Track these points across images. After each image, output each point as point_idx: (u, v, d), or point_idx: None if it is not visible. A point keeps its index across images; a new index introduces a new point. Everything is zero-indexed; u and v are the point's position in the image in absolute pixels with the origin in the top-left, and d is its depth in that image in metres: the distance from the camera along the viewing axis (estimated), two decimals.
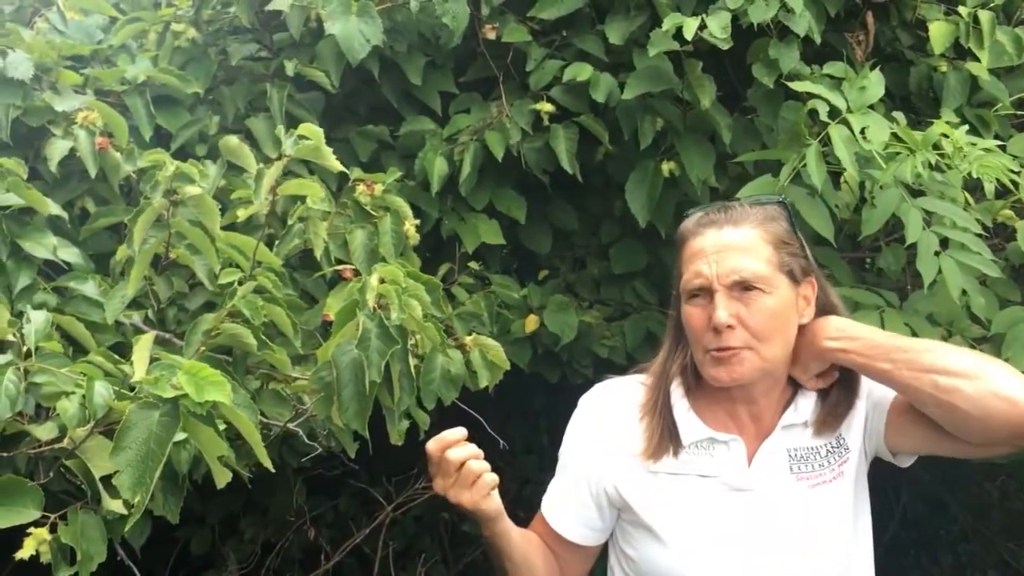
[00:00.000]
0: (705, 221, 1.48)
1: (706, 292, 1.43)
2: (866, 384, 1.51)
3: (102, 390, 1.40)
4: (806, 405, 1.50)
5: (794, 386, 1.51)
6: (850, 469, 1.49)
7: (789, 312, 1.45)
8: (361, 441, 1.78)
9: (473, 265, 2.52)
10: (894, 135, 2.10)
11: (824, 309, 1.50)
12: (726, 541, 1.44)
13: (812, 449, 1.48)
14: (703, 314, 1.43)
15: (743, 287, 1.41)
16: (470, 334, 2.05)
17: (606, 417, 1.54)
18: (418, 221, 2.21)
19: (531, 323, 2.47)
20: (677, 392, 1.52)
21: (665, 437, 1.48)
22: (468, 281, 2.49)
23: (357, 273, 2.01)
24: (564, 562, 1.58)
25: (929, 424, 1.41)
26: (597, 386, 1.60)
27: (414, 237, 2.17)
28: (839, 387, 1.50)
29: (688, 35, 2.15)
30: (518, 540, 1.52)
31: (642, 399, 1.53)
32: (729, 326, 1.40)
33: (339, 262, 2.08)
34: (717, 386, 1.47)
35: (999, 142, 2.22)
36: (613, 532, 1.57)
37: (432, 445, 1.41)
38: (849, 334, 1.44)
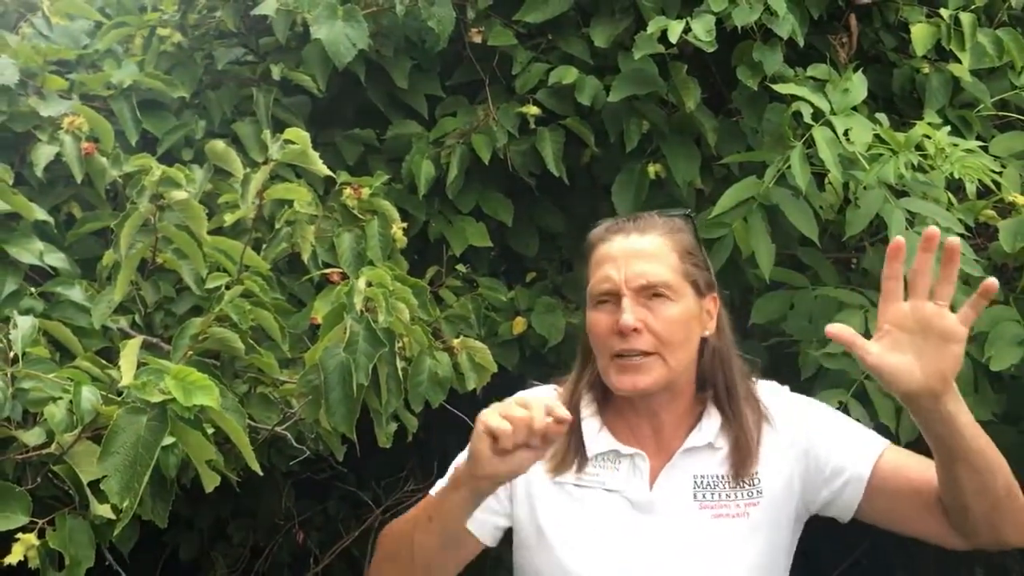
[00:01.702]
0: (614, 228, 1.49)
1: (613, 297, 1.43)
2: (804, 444, 1.47)
3: (89, 395, 1.40)
4: (710, 427, 1.48)
5: (700, 406, 1.50)
6: (759, 515, 1.45)
7: (693, 322, 1.46)
8: (349, 444, 1.79)
9: (460, 268, 2.52)
10: (877, 136, 2.11)
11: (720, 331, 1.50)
12: (623, 560, 1.43)
13: (720, 477, 1.46)
14: (609, 319, 1.43)
15: (650, 293, 1.42)
16: (458, 336, 2.06)
17: None
18: (405, 224, 2.22)
19: (518, 325, 2.48)
20: (588, 407, 1.52)
21: (571, 452, 1.48)
22: (455, 284, 2.50)
23: (344, 276, 2.01)
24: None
25: (925, 512, 1.39)
26: (520, 393, 1.58)
27: (401, 240, 2.18)
28: (744, 421, 1.48)
29: (673, 38, 2.16)
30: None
31: None
32: (635, 329, 1.40)
33: (326, 266, 2.08)
34: (620, 395, 1.46)
35: (981, 143, 2.24)
36: (515, 561, 1.55)
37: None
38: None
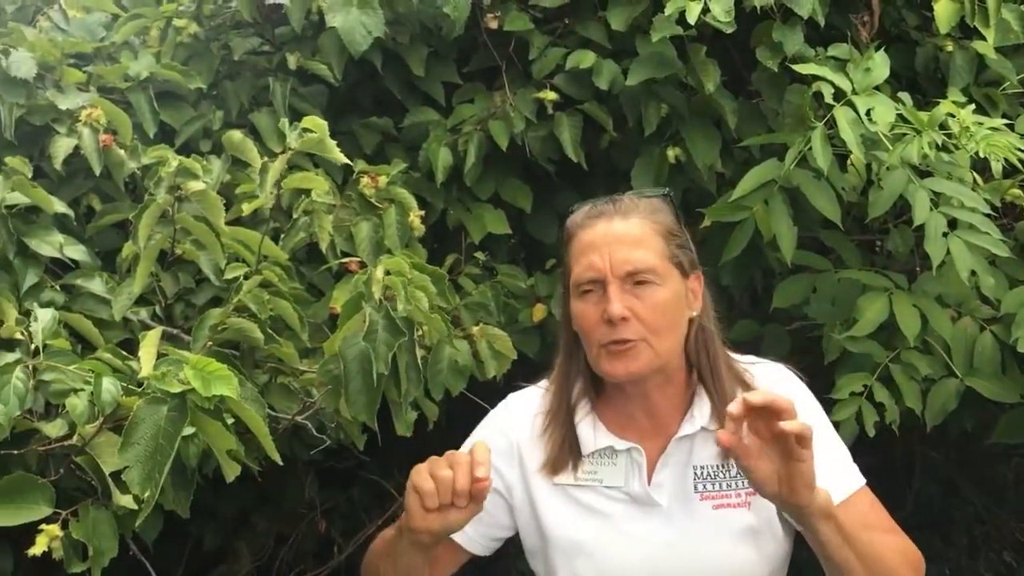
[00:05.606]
0: (593, 213, 1.45)
1: (598, 285, 1.40)
2: None
3: (110, 386, 1.41)
4: (702, 411, 1.45)
5: (692, 388, 1.47)
6: (760, 506, 1.42)
7: (680, 305, 1.43)
8: (372, 433, 1.79)
9: (479, 255, 2.51)
10: (900, 116, 2.08)
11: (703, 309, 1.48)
12: (629, 557, 1.42)
13: (721, 467, 1.44)
14: (596, 309, 1.40)
15: (635, 279, 1.39)
16: (477, 324, 2.05)
17: (516, 430, 1.53)
18: (423, 212, 2.21)
19: (538, 312, 2.46)
20: (583, 405, 1.49)
21: (565, 450, 1.47)
22: (475, 271, 2.48)
23: (363, 265, 2.01)
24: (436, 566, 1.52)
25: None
26: (510, 398, 1.59)
27: (419, 228, 2.17)
28: (727, 399, 1.43)
29: (691, 19, 2.14)
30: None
31: (546, 408, 1.51)
32: (623, 318, 1.37)
33: (345, 255, 2.08)
34: (612, 381, 1.44)
35: (1007, 121, 2.20)
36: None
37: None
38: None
